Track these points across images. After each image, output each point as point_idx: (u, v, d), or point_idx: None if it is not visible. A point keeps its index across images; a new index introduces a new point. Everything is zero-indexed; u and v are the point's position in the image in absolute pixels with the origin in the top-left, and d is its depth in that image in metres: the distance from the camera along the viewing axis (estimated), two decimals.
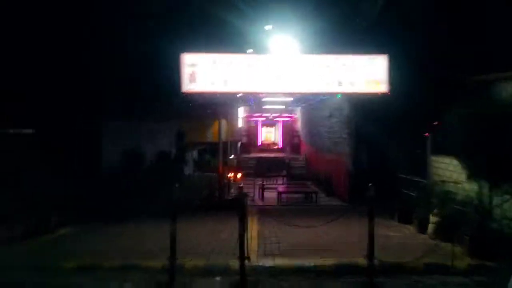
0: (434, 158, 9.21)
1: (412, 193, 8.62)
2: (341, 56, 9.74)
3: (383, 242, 6.26)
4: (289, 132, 26.03)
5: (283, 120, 26.33)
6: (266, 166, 19.89)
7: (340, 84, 9.98)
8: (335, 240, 6.78)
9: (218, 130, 13.16)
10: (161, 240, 5.45)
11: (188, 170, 21.10)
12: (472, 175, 6.23)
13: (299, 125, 23.78)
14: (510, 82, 8.31)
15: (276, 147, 26.47)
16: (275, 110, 23.50)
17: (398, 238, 7.05)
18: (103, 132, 10.83)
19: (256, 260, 5.71)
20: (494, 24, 8.98)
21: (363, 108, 10.93)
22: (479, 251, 5.73)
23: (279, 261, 5.63)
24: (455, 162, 8.23)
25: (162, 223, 5.34)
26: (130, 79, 10.57)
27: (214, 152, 14.54)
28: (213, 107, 12.51)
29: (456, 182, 7.60)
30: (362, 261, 5.37)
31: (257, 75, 9.60)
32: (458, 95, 9.33)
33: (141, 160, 13.29)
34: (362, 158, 11.20)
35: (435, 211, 7.16)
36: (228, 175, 12.46)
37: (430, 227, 7.18)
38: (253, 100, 15.85)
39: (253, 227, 7.75)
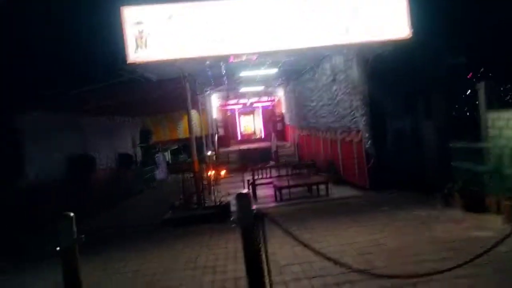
0: (493, 115, 6.55)
1: (474, 168, 5.95)
2: None
3: (485, 257, 3.44)
4: (270, 118, 23.12)
5: (262, 106, 23.37)
6: (251, 159, 17.16)
7: (347, 31, 7.23)
8: (397, 261, 3.96)
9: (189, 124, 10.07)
10: None
11: (161, 174, 17.98)
12: None
13: (282, 109, 20.94)
14: None
15: (257, 136, 23.49)
16: (253, 93, 20.38)
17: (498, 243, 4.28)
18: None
19: None
20: None
21: (378, 63, 8.17)
22: None
23: None
24: None
25: None
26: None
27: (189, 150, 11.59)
28: (181, 95, 9.24)
29: None
30: None
31: (237, 31, 6.74)
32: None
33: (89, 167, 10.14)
34: (383, 131, 8.47)
35: None
36: (208, 174, 9.47)
37: None
38: (226, 79, 12.76)
39: None
